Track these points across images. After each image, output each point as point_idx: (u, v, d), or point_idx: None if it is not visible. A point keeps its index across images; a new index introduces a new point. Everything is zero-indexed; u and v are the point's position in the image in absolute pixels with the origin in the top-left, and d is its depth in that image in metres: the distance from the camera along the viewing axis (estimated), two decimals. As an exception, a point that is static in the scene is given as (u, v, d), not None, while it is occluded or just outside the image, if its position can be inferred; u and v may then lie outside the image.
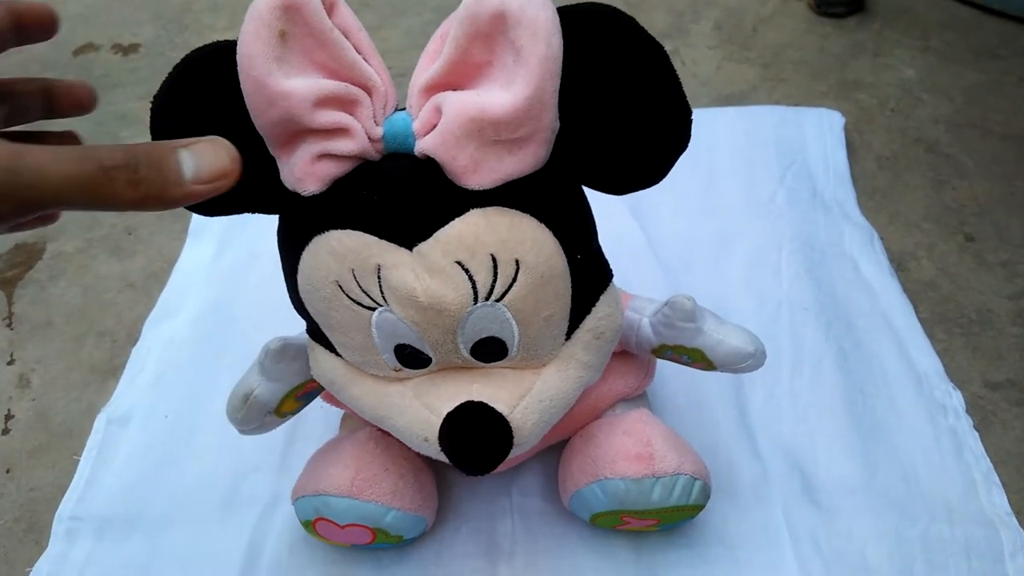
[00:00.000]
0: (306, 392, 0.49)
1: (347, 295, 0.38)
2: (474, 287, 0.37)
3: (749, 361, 0.47)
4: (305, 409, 0.52)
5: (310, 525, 0.50)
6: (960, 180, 0.80)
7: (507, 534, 0.55)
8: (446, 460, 0.41)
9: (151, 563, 0.56)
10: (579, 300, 0.41)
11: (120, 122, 0.97)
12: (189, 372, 0.68)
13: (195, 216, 0.79)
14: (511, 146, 0.35)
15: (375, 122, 0.36)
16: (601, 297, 0.42)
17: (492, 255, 0.36)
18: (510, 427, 0.40)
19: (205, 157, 0.27)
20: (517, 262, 0.37)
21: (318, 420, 0.61)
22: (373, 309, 0.38)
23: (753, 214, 0.77)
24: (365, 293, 0.38)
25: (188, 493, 0.60)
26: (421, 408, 0.41)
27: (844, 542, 0.53)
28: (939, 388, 0.62)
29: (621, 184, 0.39)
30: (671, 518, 0.50)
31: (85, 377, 0.69)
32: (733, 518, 0.55)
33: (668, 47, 0.36)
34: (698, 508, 0.50)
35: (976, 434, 0.59)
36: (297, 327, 0.70)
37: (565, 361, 0.42)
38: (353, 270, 0.37)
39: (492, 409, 0.39)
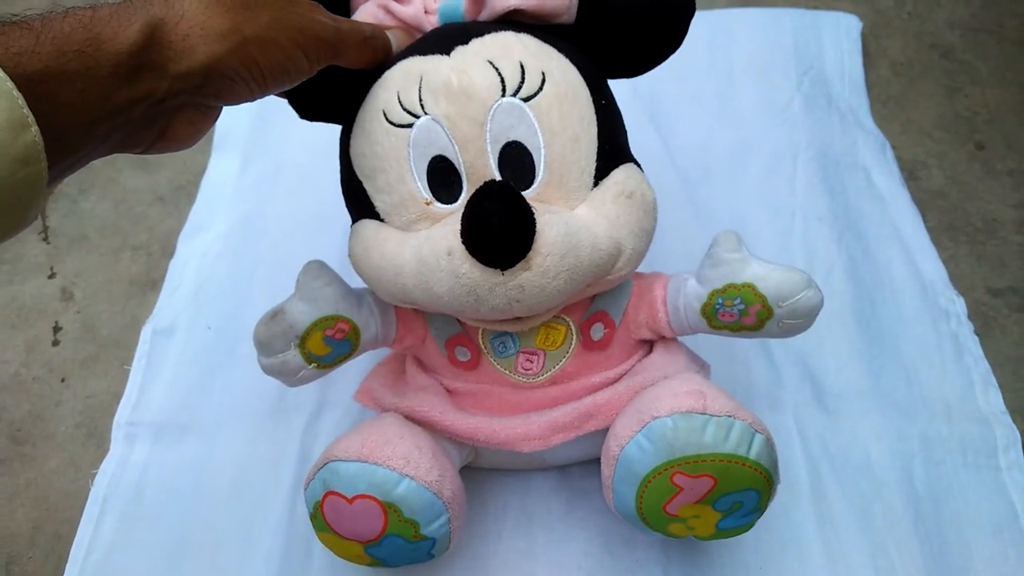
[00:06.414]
0: (335, 337, 0.48)
1: (389, 121, 0.44)
2: (503, 81, 0.42)
3: (805, 291, 0.44)
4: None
5: (318, 510, 0.45)
6: (973, 87, 0.81)
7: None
8: (468, 274, 0.40)
9: (208, 464, 0.60)
10: (605, 142, 0.44)
11: None
12: (226, 285, 0.71)
13: (218, 130, 0.80)
14: None
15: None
16: (628, 164, 0.45)
17: (520, 62, 0.43)
18: (532, 211, 0.40)
19: (396, 37, 0.46)
20: (543, 74, 0.43)
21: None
22: (410, 126, 0.43)
23: (770, 122, 0.78)
24: (406, 111, 0.43)
25: (236, 401, 0.63)
26: (443, 227, 0.42)
27: (849, 442, 0.58)
28: (943, 295, 0.65)
29: (642, 52, 0.47)
30: (730, 480, 0.41)
31: (126, 290, 0.72)
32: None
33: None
34: (762, 477, 0.41)
35: (976, 339, 0.63)
36: (322, 241, 0.72)
37: (595, 207, 0.43)
38: (398, 92, 0.43)
39: (514, 188, 0.40)
